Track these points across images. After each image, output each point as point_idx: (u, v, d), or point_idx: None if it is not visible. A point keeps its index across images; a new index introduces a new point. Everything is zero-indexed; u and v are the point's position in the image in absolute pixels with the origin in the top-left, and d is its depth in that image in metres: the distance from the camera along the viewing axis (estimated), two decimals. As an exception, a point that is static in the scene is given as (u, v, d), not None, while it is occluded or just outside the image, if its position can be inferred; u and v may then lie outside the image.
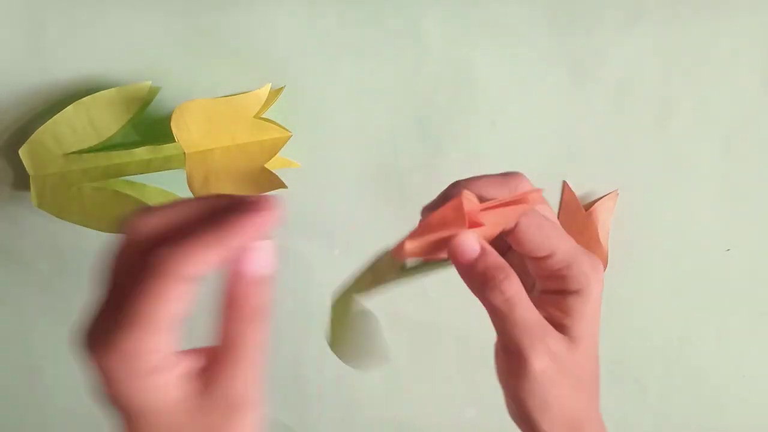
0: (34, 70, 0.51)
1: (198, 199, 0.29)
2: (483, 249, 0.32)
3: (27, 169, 0.50)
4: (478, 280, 0.32)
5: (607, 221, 0.53)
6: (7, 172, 0.53)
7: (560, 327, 0.33)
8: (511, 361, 0.33)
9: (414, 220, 0.54)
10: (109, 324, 0.27)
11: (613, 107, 0.52)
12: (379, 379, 0.57)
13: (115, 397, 0.28)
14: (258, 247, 0.29)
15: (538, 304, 0.34)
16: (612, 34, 0.51)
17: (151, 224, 0.29)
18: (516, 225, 0.32)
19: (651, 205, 0.54)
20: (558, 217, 0.54)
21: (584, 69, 0.51)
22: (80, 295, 0.56)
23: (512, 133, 0.52)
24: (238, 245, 0.28)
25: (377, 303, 0.55)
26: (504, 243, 0.34)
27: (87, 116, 0.49)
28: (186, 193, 0.51)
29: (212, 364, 0.29)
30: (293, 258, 0.54)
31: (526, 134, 0.53)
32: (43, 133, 0.49)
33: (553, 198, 0.54)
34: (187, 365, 0.29)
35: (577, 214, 0.53)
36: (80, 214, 0.51)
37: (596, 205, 0.53)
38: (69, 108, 0.49)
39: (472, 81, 0.52)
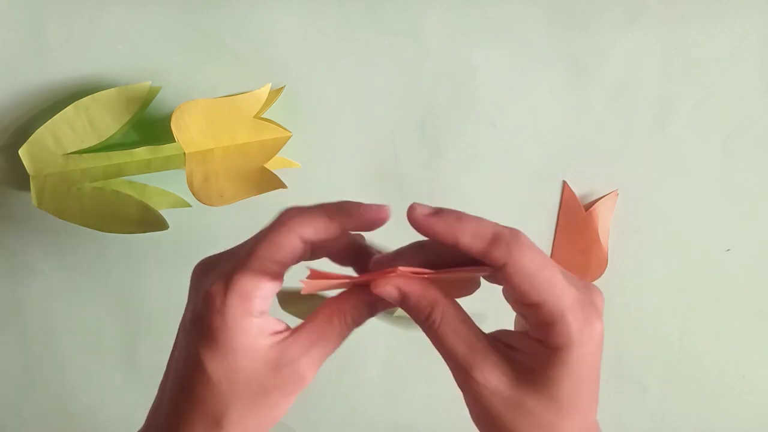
0: (34, 70, 0.51)
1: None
2: (402, 294, 0.33)
3: (27, 169, 0.50)
4: (411, 317, 0.33)
5: (607, 221, 0.53)
6: (7, 172, 0.53)
7: (519, 366, 0.32)
8: (458, 385, 0.34)
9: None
10: (233, 267, 0.32)
11: (613, 107, 0.52)
12: (378, 379, 0.57)
13: (219, 328, 0.32)
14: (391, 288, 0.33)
15: (517, 338, 0.33)
16: (611, 34, 0.51)
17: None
18: (506, 263, 0.31)
19: (651, 205, 0.54)
20: (558, 217, 0.54)
21: (584, 69, 0.51)
22: (80, 295, 0.56)
23: (512, 133, 0.53)
24: (349, 226, 0.33)
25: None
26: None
27: (87, 116, 0.49)
28: (186, 193, 0.51)
29: (304, 340, 0.33)
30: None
31: (526, 134, 0.53)
32: (43, 133, 0.49)
33: (553, 198, 0.54)
34: (275, 326, 0.33)
35: (577, 214, 0.53)
36: (80, 214, 0.51)
37: (596, 205, 0.53)
38: (69, 108, 0.49)
39: (472, 81, 0.52)
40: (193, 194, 0.49)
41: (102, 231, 0.51)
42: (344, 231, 0.33)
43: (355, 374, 0.57)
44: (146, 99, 0.50)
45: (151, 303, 0.56)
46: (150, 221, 0.51)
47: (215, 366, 0.32)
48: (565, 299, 0.31)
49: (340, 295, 0.34)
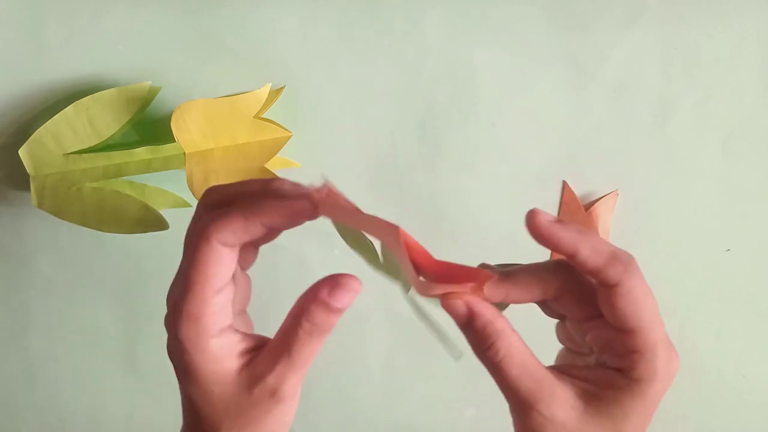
0: (34, 70, 0.51)
1: (260, 180, 0.33)
2: (471, 313, 0.32)
3: (27, 169, 0.50)
4: (470, 339, 0.32)
5: (607, 221, 0.53)
6: (7, 172, 0.53)
7: (590, 398, 0.32)
8: (513, 415, 0.33)
9: (414, 219, 0.54)
10: (175, 292, 0.32)
11: (613, 107, 0.52)
12: (379, 379, 0.57)
13: (182, 353, 0.31)
14: (347, 286, 0.32)
15: (587, 370, 0.33)
16: (611, 34, 0.51)
17: (214, 195, 0.33)
18: (620, 283, 0.31)
19: (651, 205, 0.54)
20: (558, 218, 0.54)
21: (584, 69, 0.51)
22: (80, 295, 0.56)
23: (512, 133, 0.53)
24: (270, 224, 0.31)
25: (377, 303, 0.55)
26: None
27: (87, 116, 0.49)
28: (186, 193, 0.51)
29: (269, 355, 0.32)
30: (293, 258, 0.54)
31: (526, 134, 0.53)
32: (43, 133, 0.49)
33: (553, 198, 0.54)
34: (245, 344, 0.32)
35: (577, 214, 0.53)
36: (80, 214, 0.51)
37: (596, 205, 0.53)
38: (69, 108, 0.49)
39: (472, 81, 0.52)
40: (193, 194, 0.49)
41: (102, 231, 0.51)
42: (271, 228, 0.32)
43: (355, 374, 0.57)
44: (146, 99, 0.50)
45: (151, 303, 0.56)
46: (150, 221, 0.51)
47: (192, 391, 0.32)
48: (659, 332, 0.32)
49: (297, 300, 0.33)
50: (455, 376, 0.57)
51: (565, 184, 0.53)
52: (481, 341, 0.32)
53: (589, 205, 0.53)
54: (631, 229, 0.54)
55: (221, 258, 0.31)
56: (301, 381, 0.33)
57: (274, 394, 0.32)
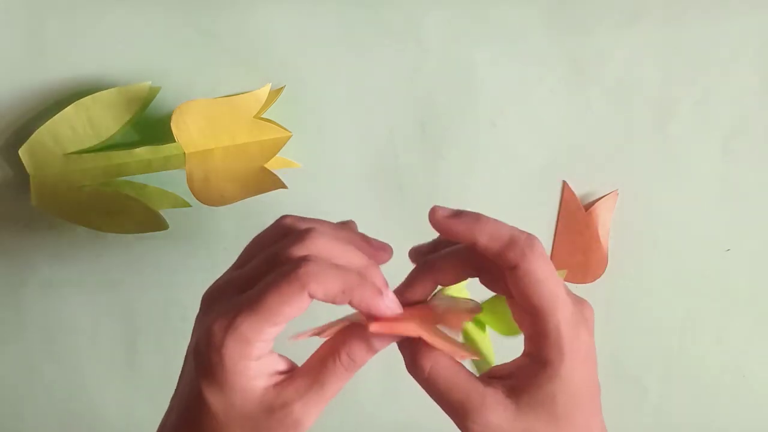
0: (34, 70, 0.51)
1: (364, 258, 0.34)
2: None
3: (27, 169, 0.50)
4: (404, 356, 0.35)
5: (607, 221, 0.53)
6: (7, 172, 0.53)
7: (518, 392, 0.33)
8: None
9: (414, 219, 0.54)
10: (238, 307, 0.31)
11: (613, 107, 0.52)
12: (379, 379, 0.57)
13: (217, 364, 0.31)
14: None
15: (512, 364, 0.34)
16: (612, 35, 0.51)
17: (316, 236, 0.33)
18: (518, 266, 0.32)
19: (651, 205, 0.54)
20: (558, 217, 0.54)
21: (584, 69, 0.51)
22: (80, 294, 0.56)
23: (512, 133, 0.53)
24: (358, 305, 0.32)
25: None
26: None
27: (87, 116, 0.49)
28: (186, 193, 0.51)
29: (299, 383, 0.33)
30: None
31: (526, 134, 0.53)
32: (43, 133, 0.49)
33: (553, 198, 0.54)
34: (276, 365, 0.33)
35: (577, 214, 0.53)
36: (80, 214, 0.51)
37: (596, 205, 0.53)
38: (69, 108, 0.49)
39: (472, 81, 0.52)
40: (193, 194, 0.49)
41: (102, 231, 0.51)
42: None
43: (354, 374, 0.57)
44: (146, 99, 0.50)
45: (151, 303, 0.56)
46: (150, 221, 0.51)
47: (214, 398, 0.32)
48: (563, 312, 0.32)
49: (335, 334, 0.34)
50: (455, 376, 0.57)
51: (565, 184, 0.53)
52: (407, 357, 0.34)
53: (589, 205, 0.53)
54: (631, 229, 0.54)
55: (302, 305, 0.31)
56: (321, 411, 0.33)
57: (295, 421, 0.33)
